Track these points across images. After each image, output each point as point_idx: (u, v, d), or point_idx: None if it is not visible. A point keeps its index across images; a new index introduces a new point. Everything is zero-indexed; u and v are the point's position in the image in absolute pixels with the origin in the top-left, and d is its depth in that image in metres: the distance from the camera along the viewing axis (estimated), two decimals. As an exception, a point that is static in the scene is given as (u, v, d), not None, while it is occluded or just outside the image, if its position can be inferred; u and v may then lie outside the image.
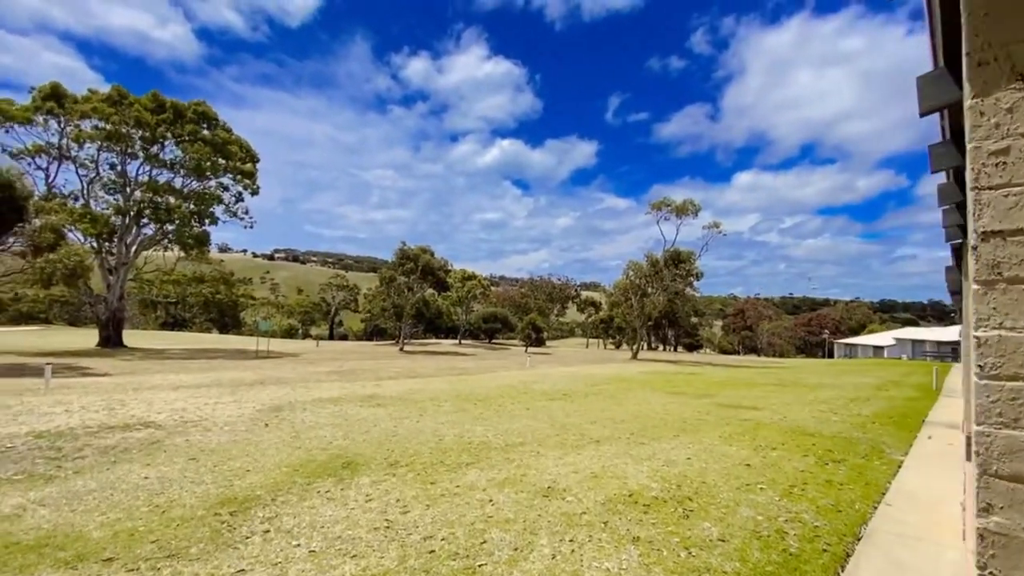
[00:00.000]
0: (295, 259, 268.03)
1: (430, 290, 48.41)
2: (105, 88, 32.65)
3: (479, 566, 3.59)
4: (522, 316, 68.33)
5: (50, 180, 31.50)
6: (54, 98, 30.54)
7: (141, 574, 3.38)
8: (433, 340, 68.65)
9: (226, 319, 75.63)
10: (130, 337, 37.29)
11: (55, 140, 31.26)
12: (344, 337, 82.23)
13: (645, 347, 66.21)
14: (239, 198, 37.54)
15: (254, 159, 37.34)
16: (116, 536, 3.97)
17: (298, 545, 3.86)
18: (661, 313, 49.52)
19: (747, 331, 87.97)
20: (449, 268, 47.81)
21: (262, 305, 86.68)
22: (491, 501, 4.88)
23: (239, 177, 36.67)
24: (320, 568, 3.50)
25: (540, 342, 62.07)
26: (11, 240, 19.89)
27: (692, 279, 39.96)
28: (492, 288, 77.01)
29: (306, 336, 77.74)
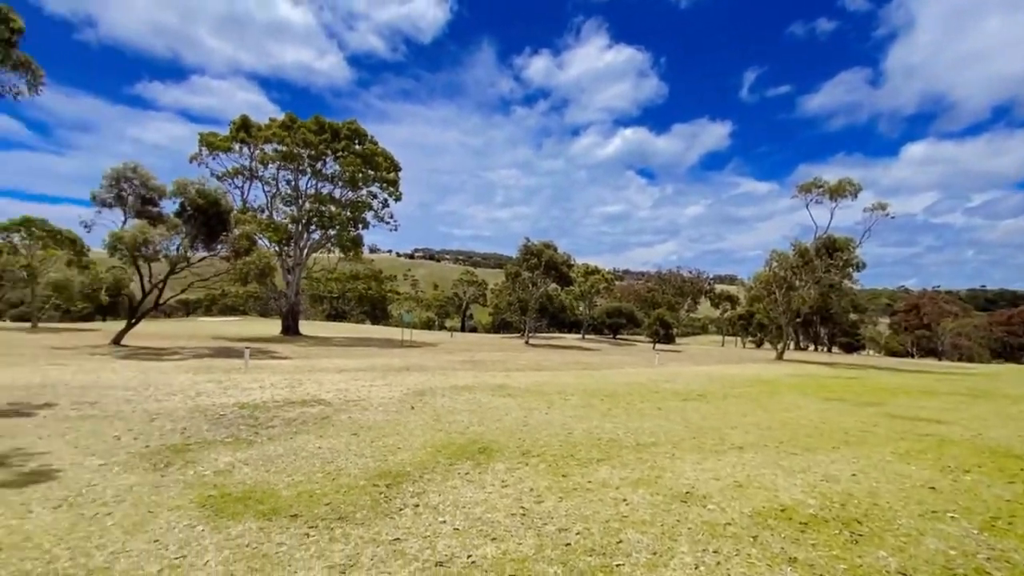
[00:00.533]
0: (431, 257, 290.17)
1: (553, 285, 48.90)
2: (280, 116, 38.62)
3: (616, 565, 3.53)
4: (649, 311, 65.67)
5: (244, 196, 38.24)
6: (244, 128, 36.96)
7: (319, 531, 3.94)
8: (557, 334, 69.28)
9: (377, 311, 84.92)
10: (304, 326, 43.74)
11: (246, 163, 37.88)
12: (474, 329, 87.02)
13: (792, 346, 59.28)
14: (385, 204, 41.77)
15: (397, 168, 41.17)
16: (299, 496, 4.67)
17: (444, 522, 4.17)
18: (812, 308, 43.80)
19: (923, 330, 73.67)
20: (572, 263, 47.76)
21: (405, 299, 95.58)
22: (625, 501, 4.78)
23: (384, 185, 40.78)
24: (464, 546, 3.74)
25: (669, 339, 59.09)
26: (219, 247, 24.65)
27: (850, 269, 34.67)
28: (616, 282, 75.09)
29: (441, 327, 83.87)
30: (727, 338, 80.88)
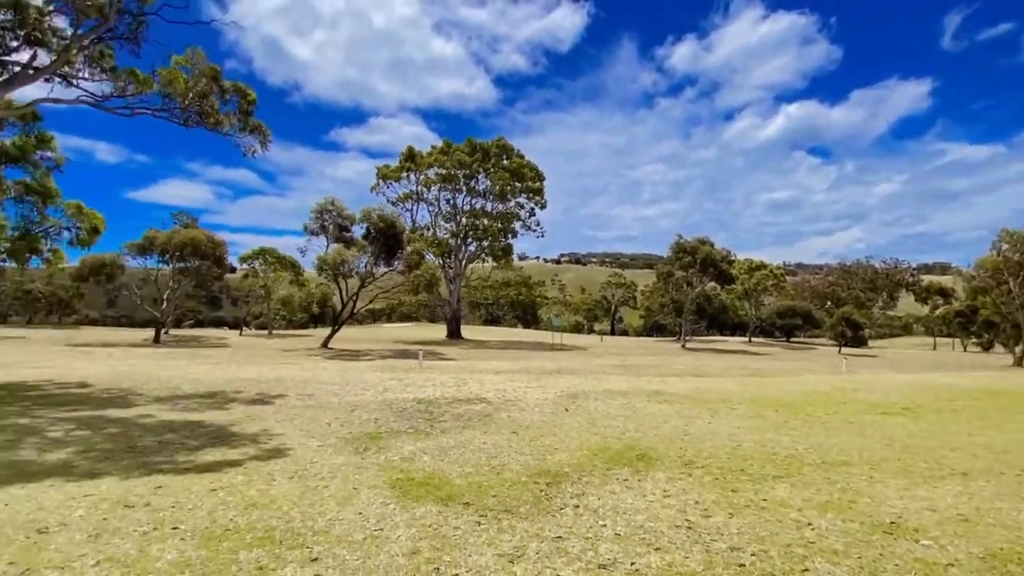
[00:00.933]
0: (577, 261, 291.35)
1: (711, 283, 45.49)
2: (439, 143, 42.86)
3: (801, 595, 3.17)
4: (831, 310, 56.78)
5: (413, 217, 43.25)
6: (410, 158, 41.82)
7: (488, 521, 4.26)
8: (718, 337, 64.03)
9: (527, 316, 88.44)
10: (465, 331, 47.60)
11: (413, 188, 42.79)
12: (624, 333, 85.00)
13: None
14: (532, 213, 43.55)
15: (541, 178, 42.61)
16: (470, 486, 5.12)
17: (604, 525, 4.19)
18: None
19: None
20: (732, 258, 43.90)
21: (554, 304, 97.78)
22: (810, 525, 4.25)
23: (531, 195, 42.52)
24: (626, 552, 3.72)
25: (859, 341, 50.32)
26: (396, 263, 28.39)
27: None
28: (787, 278, 66.36)
29: (590, 331, 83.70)
30: (940, 340, 65.78)
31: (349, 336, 40.24)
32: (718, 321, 64.16)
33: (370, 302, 33.62)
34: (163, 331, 34.95)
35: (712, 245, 41.33)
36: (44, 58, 12.10)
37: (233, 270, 51.05)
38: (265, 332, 48.75)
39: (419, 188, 42.58)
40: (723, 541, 3.91)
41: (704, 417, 9.08)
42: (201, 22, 15.58)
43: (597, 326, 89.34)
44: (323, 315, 60.33)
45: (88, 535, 3.78)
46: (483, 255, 44.61)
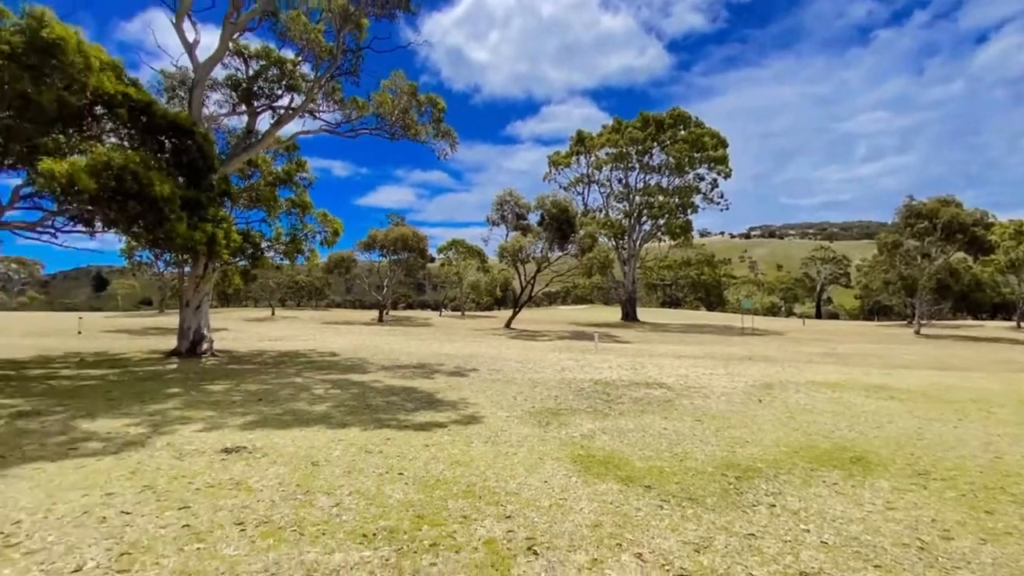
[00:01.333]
0: (771, 235, 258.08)
1: (958, 254, 35.85)
2: (608, 122, 42.00)
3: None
4: None
5: (584, 200, 43.50)
6: (580, 142, 41.89)
7: (671, 506, 4.20)
8: (969, 321, 50.32)
9: (711, 297, 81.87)
10: (641, 313, 46.42)
11: (584, 171, 42.91)
12: (834, 316, 72.60)
13: None
14: (714, 185, 39.93)
15: (724, 145, 38.63)
16: (650, 470, 5.09)
17: (807, 531, 3.78)
18: None
19: None
20: (989, 221, 33.87)
21: (743, 283, 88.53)
22: (1121, 573, 3.18)
23: (712, 165, 38.93)
24: (836, 564, 3.30)
25: None
26: (569, 246, 29.11)
27: None
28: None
29: (789, 314, 73.58)
30: None
31: (528, 317, 42.68)
32: (969, 301, 49.95)
33: (546, 285, 35.19)
34: (384, 312, 42.20)
35: (959, 205, 32.55)
36: (297, 100, 15.49)
37: (432, 260, 58.58)
38: (459, 313, 54.88)
39: (590, 171, 42.56)
40: (969, 570, 3.19)
41: (947, 419, 7.36)
42: (400, 47, 18.07)
43: (798, 308, 78.02)
44: (505, 298, 65.30)
45: (343, 471, 4.87)
46: (659, 233, 42.62)
